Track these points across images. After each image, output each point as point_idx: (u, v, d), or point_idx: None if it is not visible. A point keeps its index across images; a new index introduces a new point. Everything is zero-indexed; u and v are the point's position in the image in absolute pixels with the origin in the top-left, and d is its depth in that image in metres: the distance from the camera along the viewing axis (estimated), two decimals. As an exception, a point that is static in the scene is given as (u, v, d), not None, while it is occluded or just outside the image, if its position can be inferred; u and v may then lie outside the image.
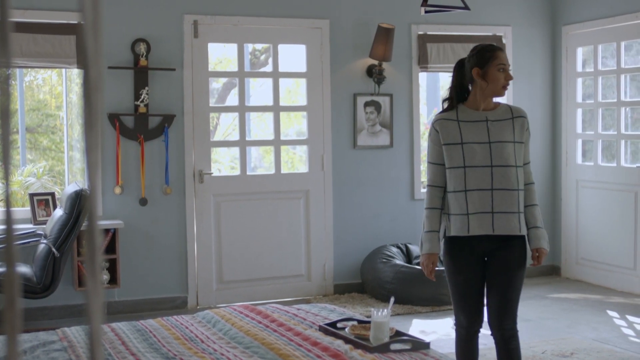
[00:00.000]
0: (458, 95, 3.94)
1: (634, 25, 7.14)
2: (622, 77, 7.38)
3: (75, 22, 6.32)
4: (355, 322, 3.92)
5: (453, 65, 4.01)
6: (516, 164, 3.78)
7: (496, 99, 3.93)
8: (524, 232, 3.80)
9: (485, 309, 3.94)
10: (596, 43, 7.59)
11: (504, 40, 7.72)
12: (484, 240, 3.79)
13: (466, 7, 5.35)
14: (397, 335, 3.69)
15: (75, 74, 7.04)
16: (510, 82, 3.91)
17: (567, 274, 7.95)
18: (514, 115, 3.86)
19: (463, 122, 3.82)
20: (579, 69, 7.84)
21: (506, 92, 3.91)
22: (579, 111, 7.83)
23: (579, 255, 7.82)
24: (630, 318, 6.42)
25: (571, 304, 6.90)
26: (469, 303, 3.89)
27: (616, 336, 5.91)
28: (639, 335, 5.96)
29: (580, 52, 7.84)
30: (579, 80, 7.84)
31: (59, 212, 5.81)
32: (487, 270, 3.85)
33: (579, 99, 7.85)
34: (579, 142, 7.87)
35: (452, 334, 5.97)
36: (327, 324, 3.87)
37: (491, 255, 3.82)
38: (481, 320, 3.93)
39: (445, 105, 3.94)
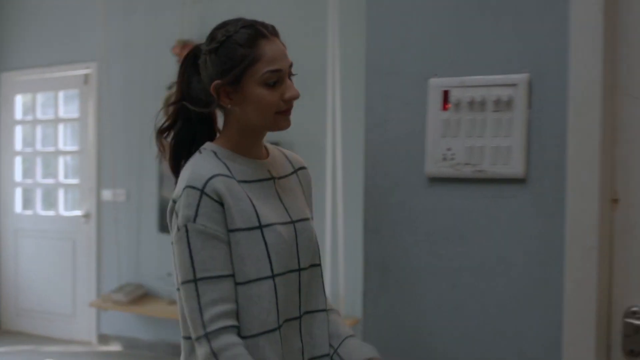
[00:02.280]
0: (195, 129, 1.94)
1: (71, 76, 7.26)
2: (61, 126, 7.44)
3: None
4: None
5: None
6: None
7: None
8: None
9: None
10: (36, 91, 7.56)
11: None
12: None
13: None
14: None
15: None
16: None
17: (8, 326, 7.68)
18: (296, 167, 2.08)
19: (245, 184, 1.87)
20: (19, 116, 7.73)
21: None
22: (18, 159, 7.69)
23: (19, 306, 7.62)
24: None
25: (9, 358, 6.68)
26: None
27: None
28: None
29: (19, 99, 7.73)
30: (19, 128, 7.72)
31: None
32: None
33: (19, 147, 7.72)
34: (19, 190, 7.72)
35: None
36: None
37: None
38: None
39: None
